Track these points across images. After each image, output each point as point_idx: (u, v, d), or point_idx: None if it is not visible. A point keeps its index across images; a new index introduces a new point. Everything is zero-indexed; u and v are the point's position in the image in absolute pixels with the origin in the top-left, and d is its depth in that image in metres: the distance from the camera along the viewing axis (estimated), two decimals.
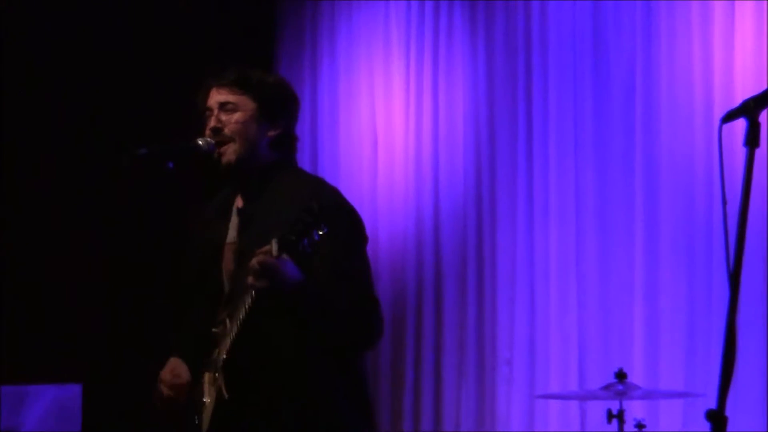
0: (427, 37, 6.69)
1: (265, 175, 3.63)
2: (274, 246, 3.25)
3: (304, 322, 3.44)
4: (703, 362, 5.78)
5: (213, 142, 3.60)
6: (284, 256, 3.25)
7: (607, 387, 5.26)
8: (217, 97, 3.64)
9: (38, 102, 6.72)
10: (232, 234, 3.68)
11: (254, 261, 3.29)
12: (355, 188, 6.56)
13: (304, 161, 6.97)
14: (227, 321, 3.55)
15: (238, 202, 3.70)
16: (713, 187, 5.84)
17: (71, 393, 6.01)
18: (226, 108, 3.62)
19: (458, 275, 6.50)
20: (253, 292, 3.36)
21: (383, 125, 6.75)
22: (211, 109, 3.64)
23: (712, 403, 2.65)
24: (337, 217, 3.40)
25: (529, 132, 6.36)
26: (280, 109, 3.67)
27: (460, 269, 6.50)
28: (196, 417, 3.63)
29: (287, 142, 3.70)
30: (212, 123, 3.63)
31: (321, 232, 3.20)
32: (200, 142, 3.61)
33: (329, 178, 6.73)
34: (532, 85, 6.37)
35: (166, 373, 3.72)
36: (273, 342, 3.50)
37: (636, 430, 5.22)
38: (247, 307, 3.41)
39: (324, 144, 6.90)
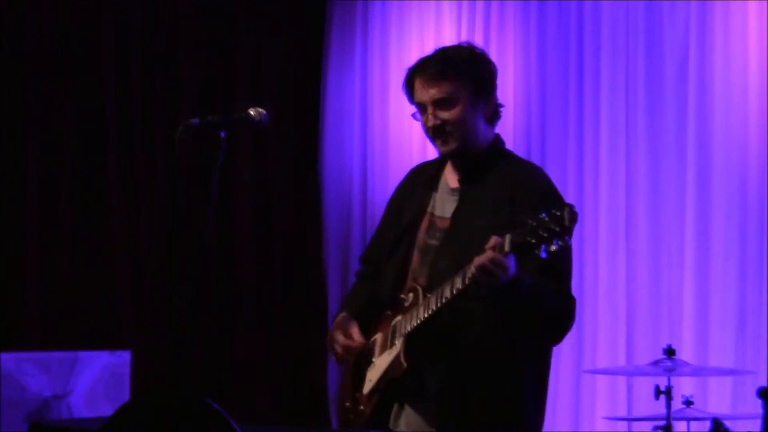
0: (479, 8, 6.65)
1: (482, 157, 3.59)
2: (507, 242, 3.23)
3: (511, 311, 3.44)
4: (753, 339, 5.74)
5: (265, 112, 3.56)
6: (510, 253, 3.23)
7: (655, 363, 5.22)
8: (428, 93, 3.55)
9: (106, 67, 6.73)
10: (436, 207, 3.66)
11: (487, 259, 3.25)
12: (405, 157, 6.55)
13: (353, 135, 6.98)
14: (420, 292, 3.54)
15: (453, 181, 3.65)
16: (767, 162, 5.79)
17: (121, 359, 6.05)
18: (443, 104, 3.54)
19: None
20: (468, 279, 3.33)
21: None
22: (424, 106, 3.57)
23: (762, 381, 2.64)
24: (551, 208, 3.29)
25: (580, 106, 6.32)
26: (490, 83, 3.61)
27: None
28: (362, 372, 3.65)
29: (498, 112, 3.64)
30: (431, 122, 3.55)
31: (561, 244, 3.13)
32: (252, 113, 3.58)
33: (377, 146, 6.82)
34: (584, 61, 6.33)
35: (338, 333, 3.70)
36: (470, 324, 3.49)
37: (684, 407, 5.19)
38: (455, 289, 3.38)
39: (374, 115, 6.88)
